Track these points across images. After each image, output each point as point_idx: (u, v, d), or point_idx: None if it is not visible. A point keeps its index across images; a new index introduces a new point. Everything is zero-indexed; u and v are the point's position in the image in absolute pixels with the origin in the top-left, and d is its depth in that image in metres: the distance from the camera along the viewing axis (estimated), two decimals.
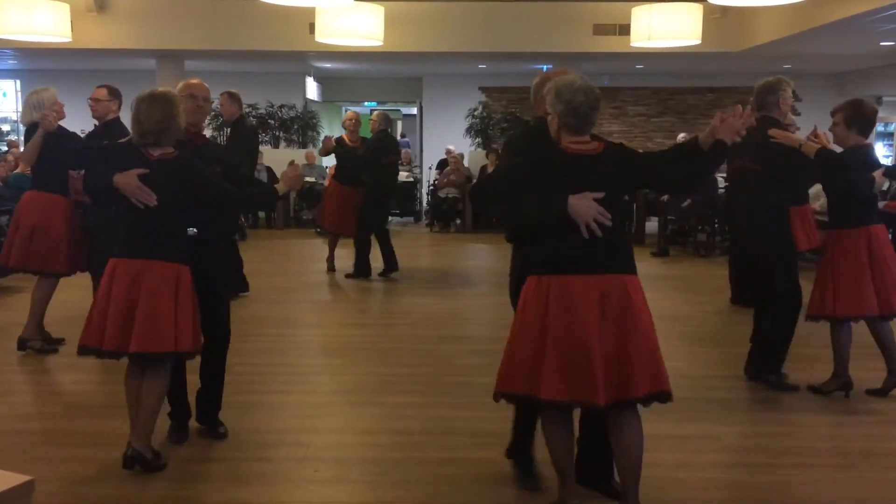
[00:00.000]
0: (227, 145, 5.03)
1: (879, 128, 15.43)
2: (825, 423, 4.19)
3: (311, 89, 16.28)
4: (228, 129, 5.72)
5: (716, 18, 10.99)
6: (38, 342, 5.24)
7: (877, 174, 4.41)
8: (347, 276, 7.94)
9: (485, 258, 10.15)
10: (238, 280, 6.91)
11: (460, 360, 5.33)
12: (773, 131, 4.24)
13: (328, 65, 15.12)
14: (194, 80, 3.90)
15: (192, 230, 3.58)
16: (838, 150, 4.30)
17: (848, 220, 4.30)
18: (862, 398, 4.54)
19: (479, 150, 13.92)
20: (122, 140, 3.99)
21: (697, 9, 9.03)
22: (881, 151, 15.37)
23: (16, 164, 9.56)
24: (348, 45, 9.92)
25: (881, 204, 8.47)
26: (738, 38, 11.69)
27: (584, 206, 2.80)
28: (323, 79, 16.84)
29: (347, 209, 7.83)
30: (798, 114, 13.18)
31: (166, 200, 3.37)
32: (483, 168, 12.90)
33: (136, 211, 3.35)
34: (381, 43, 9.60)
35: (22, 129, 5.98)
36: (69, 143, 4.94)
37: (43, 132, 5.00)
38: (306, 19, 10.75)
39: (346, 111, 19.62)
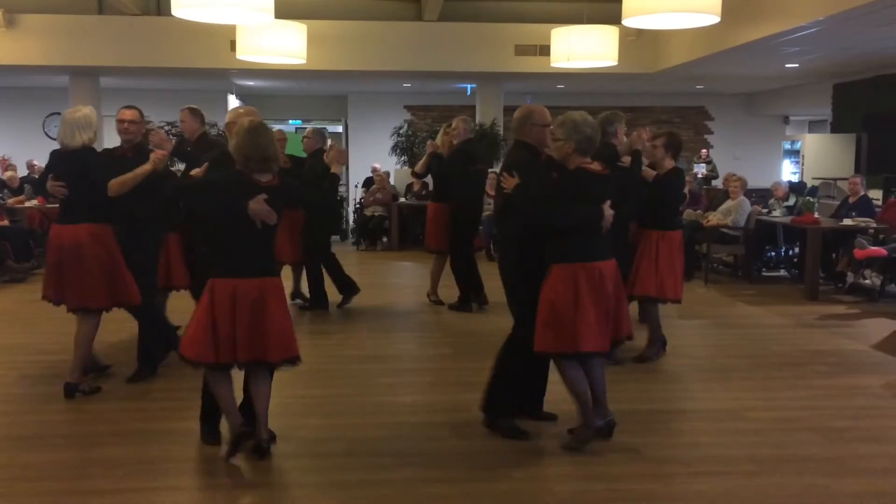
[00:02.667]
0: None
1: (786, 146, 16.09)
2: (735, 432, 4.34)
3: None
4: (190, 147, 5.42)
5: (631, 41, 11.36)
6: (87, 385, 4.80)
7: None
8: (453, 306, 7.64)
9: (410, 276, 10.15)
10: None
11: (383, 379, 5.31)
12: (625, 159, 4.97)
13: (251, 83, 14.92)
14: (241, 109, 4.21)
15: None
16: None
17: (660, 224, 5.52)
18: (769, 408, 4.73)
19: (405, 168, 13.95)
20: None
21: (613, 31, 9.31)
22: (788, 168, 16.01)
23: None
24: (271, 62, 9.80)
25: (789, 219, 8.94)
26: (653, 60, 12.11)
27: (609, 214, 3.92)
28: (246, 97, 16.61)
29: (443, 225, 7.57)
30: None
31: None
32: (409, 186, 12.93)
33: (238, 235, 3.62)
34: (304, 61, 9.52)
35: None
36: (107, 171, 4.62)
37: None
38: (227, 36, 10.61)
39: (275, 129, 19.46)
